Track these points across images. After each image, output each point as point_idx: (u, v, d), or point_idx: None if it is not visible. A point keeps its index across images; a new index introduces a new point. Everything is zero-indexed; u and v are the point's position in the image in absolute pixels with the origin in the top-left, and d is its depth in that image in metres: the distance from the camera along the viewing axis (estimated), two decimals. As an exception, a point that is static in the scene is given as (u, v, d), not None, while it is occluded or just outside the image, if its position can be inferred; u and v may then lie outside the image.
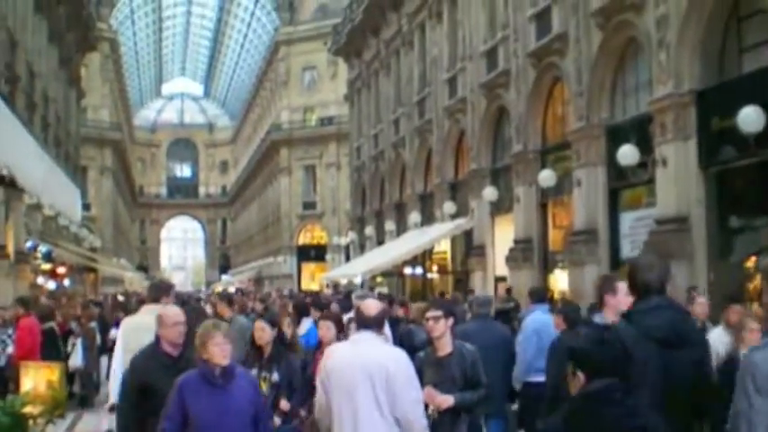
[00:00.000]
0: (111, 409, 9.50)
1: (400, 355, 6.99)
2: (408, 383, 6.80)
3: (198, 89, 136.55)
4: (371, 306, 7.11)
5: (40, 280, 34.90)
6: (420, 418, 6.82)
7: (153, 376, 7.50)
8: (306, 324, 13.21)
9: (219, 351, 6.71)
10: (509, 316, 15.58)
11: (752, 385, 4.52)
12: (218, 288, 72.41)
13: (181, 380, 6.78)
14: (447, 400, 7.69)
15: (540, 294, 12.78)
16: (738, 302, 11.14)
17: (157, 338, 8.05)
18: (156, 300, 10.50)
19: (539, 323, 11.18)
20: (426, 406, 7.60)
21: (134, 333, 9.64)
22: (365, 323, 7.03)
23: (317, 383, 7.07)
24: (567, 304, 10.99)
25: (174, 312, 8.12)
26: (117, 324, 14.59)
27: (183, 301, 19.65)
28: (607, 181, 22.36)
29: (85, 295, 37.71)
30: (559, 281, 25.47)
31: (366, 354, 6.81)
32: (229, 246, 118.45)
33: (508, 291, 26.00)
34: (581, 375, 4.62)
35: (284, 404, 8.95)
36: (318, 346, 9.65)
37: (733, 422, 4.60)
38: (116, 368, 9.83)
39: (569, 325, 9.31)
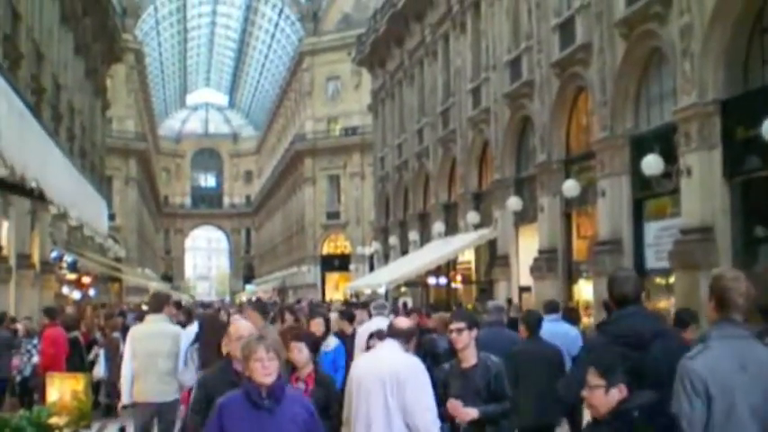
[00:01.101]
0: (124, 407, 11.41)
1: (413, 363, 7.14)
2: (420, 390, 6.93)
3: (222, 99, 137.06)
4: (402, 321, 7.69)
5: (65, 290, 35.07)
6: (430, 425, 6.94)
7: (219, 393, 6.39)
8: (332, 342, 12.03)
9: (261, 368, 5.67)
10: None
11: (691, 389, 4.82)
12: (243, 298, 72.50)
13: (222, 400, 5.85)
14: (470, 414, 7.69)
15: (552, 306, 13.75)
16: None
17: (228, 354, 7.70)
18: (157, 309, 11.63)
19: (545, 332, 11.58)
20: (453, 418, 7.66)
21: (139, 340, 11.24)
22: (392, 334, 7.44)
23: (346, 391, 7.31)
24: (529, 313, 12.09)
25: (240, 326, 7.45)
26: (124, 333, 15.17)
27: (189, 311, 19.79)
28: (631, 191, 22.29)
29: (110, 305, 37.81)
30: (584, 291, 25.39)
31: (382, 361, 7.06)
32: (253, 255, 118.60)
33: (509, 301, 26.22)
34: (623, 388, 4.78)
35: None
36: (292, 371, 8.03)
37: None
38: (125, 373, 11.28)
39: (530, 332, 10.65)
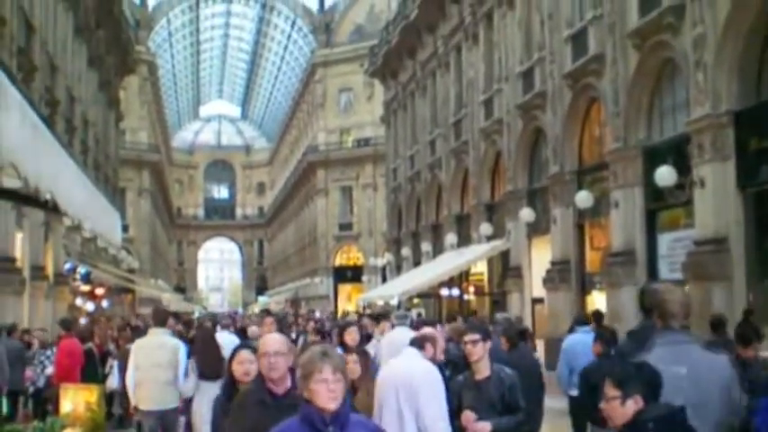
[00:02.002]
0: (135, 409, 12.24)
1: (427, 369, 7.26)
2: (432, 397, 7.01)
3: (235, 111, 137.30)
4: (423, 329, 7.96)
5: (79, 301, 35.11)
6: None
7: (251, 415, 5.96)
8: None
9: (327, 390, 4.71)
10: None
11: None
12: (255, 309, 72.48)
13: (278, 429, 4.88)
14: (484, 428, 7.67)
15: (582, 318, 14.77)
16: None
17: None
18: (160, 323, 12.55)
19: (570, 342, 12.84)
20: (465, 429, 7.67)
21: (142, 352, 12.03)
22: (411, 341, 7.83)
23: None
24: (511, 326, 12.91)
25: (267, 340, 6.42)
26: None
27: (187, 322, 19.97)
28: (644, 202, 22.27)
29: (123, 317, 37.86)
30: (597, 302, 25.34)
31: (399, 367, 7.19)
32: (266, 267, 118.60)
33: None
34: (639, 399, 4.74)
35: None
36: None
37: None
38: (129, 383, 12.15)
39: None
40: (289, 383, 6.05)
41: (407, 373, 7.13)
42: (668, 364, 5.11)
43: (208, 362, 12.05)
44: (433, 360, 7.96)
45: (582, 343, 12.24)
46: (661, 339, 5.44)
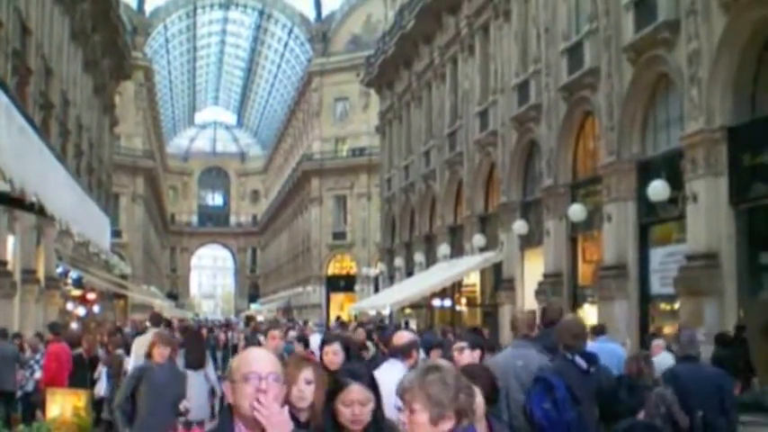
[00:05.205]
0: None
1: None
2: None
3: (231, 118, 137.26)
4: (400, 337, 8.21)
5: (70, 306, 35.06)
6: None
7: None
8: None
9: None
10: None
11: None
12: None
13: None
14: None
15: (599, 328, 15.63)
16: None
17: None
18: (156, 324, 16.93)
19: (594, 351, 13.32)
20: None
21: (140, 346, 13.92)
22: (391, 352, 8.11)
23: None
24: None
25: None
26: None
27: (181, 327, 20.25)
28: (637, 216, 22.28)
29: (113, 322, 37.79)
30: (588, 316, 25.33)
31: (381, 381, 7.12)
32: (259, 275, 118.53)
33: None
34: None
35: None
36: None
37: None
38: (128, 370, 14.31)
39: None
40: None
41: (388, 387, 7.08)
42: (514, 358, 8.57)
43: (193, 354, 13.55)
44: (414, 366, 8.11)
45: (601, 351, 12.24)
46: (512, 344, 9.07)
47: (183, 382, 11.23)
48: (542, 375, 7.61)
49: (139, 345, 14.92)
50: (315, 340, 17.04)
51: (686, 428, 8.52)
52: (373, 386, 4.75)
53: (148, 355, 10.78)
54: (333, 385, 4.65)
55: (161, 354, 10.58)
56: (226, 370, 12.89)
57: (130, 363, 14.91)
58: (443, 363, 4.10)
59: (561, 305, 24.63)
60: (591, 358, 7.99)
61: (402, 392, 3.85)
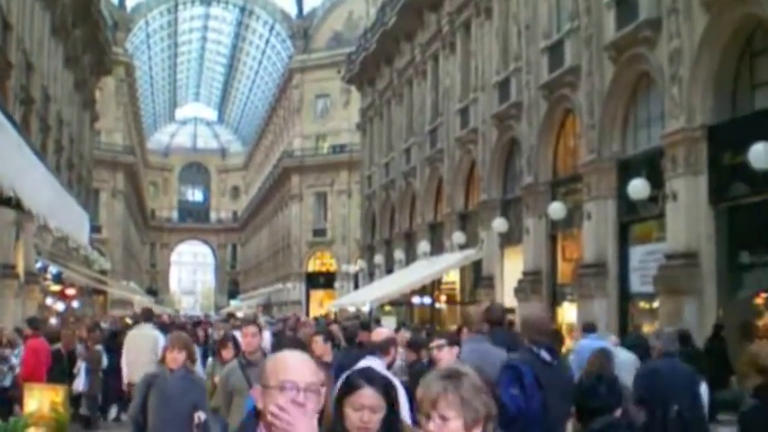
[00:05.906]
0: (129, 385, 15.42)
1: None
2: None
3: (211, 114, 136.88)
4: (378, 334, 7.96)
5: (49, 301, 34.87)
6: None
7: None
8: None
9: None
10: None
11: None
12: (239, 314, 71.92)
13: None
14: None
15: (591, 326, 16.11)
16: (750, 338, 11.52)
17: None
18: (146, 319, 17.78)
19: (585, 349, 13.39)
20: None
21: (132, 340, 16.50)
22: (370, 350, 8.24)
23: None
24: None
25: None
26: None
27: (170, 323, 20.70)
28: (617, 214, 22.34)
29: (94, 317, 37.63)
30: (568, 314, 25.39)
31: None
32: (239, 271, 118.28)
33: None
34: None
35: None
36: None
37: None
38: (123, 361, 16.54)
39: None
40: None
41: None
42: (469, 351, 8.40)
43: None
44: (392, 364, 8.42)
45: (591, 349, 12.23)
46: (467, 339, 8.98)
47: (201, 391, 9.55)
48: (512, 363, 7.75)
49: (130, 340, 16.64)
50: (266, 336, 17.03)
51: (641, 425, 8.66)
52: (388, 393, 4.25)
53: (161, 360, 9.53)
54: (343, 386, 4.27)
55: (174, 359, 9.13)
56: (206, 367, 13.02)
57: (124, 356, 16.55)
58: (463, 366, 3.84)
59: (543, 303, 24.77)
60: (553, 352, 8.15)
61: (434, 400, 3.58)
